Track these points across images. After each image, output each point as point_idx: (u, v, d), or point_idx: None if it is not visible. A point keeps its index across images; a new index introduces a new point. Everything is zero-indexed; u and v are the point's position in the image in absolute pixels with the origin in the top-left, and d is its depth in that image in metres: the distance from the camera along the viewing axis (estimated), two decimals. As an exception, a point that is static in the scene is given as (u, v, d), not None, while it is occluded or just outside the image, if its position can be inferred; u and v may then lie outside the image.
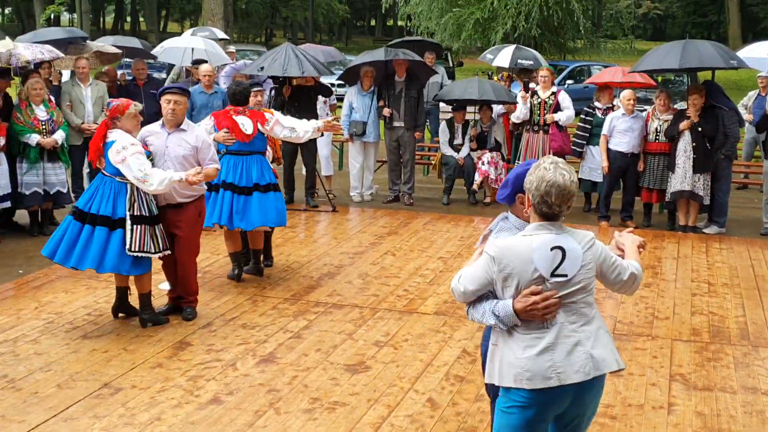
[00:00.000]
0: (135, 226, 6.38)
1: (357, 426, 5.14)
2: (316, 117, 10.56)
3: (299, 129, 7.85)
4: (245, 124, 7.62)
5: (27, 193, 9.22)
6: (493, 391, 3.95)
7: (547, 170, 3.51)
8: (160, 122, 6.81)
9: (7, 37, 9.89)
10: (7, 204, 9.17)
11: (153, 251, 6.50)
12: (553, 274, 3.52)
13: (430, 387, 5.72)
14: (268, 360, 6.12)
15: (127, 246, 6.35)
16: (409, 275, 8.38)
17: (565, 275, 3.53)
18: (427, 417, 5.27)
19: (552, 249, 3.52)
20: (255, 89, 8.45)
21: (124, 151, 6.25)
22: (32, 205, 9.43)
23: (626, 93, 10.76)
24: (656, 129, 10.57)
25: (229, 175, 7.61)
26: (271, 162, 8.25)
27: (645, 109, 11.31)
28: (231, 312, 7.11)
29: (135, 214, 6.40)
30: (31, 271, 8.15)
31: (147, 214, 6.47)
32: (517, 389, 3.54)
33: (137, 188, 6.37)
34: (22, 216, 9.78)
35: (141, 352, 6.21)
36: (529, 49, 14.39)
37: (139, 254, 6.41)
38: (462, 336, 6.68)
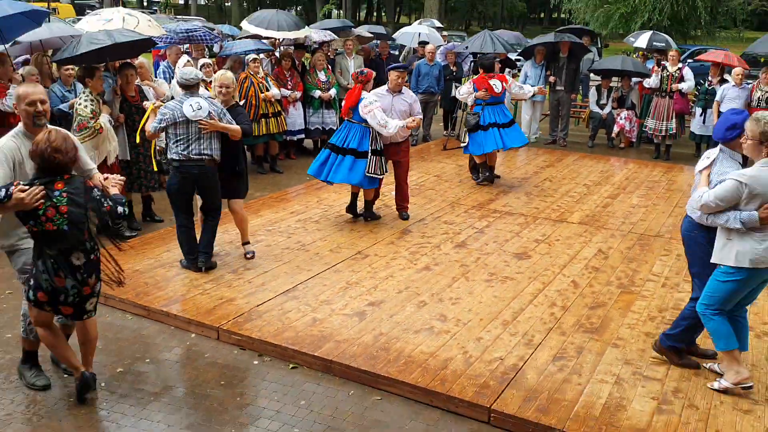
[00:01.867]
0: (374, 157, 6.40)
1: (521, 294, 5.13)
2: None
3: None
4: (496, 84, 8.01)
5: (311, 128, 9.66)
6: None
7: None
8: (385, 88, 6.74)
9: (306, 26, 10.27)
10: (302, 136, 9.68)
11: (380, 174, 6.51)
12: None
13: (573, 273, 5.58)
14: (461, 245, 6.19)
15: (367, 169, 6.37)
16: (561, 195, 8.08)
17: None
18: (571, 293, 5.17)
19: None
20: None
21: (371, 105, 6.26)
22: (315, 137, 9.92)
23: (737, 70, 9.66)
24: (759, 98, 9.50)
25: (494, 117, 8.00)
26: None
27: (750, 83, 10.08)
28: (437, 213, 7.21)
29: (375, 148, 6.41)
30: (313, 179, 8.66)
31: (380, 149, 6.48)
32: (745, 268, 3.62)
33: (376, 131, 6.37)
34: (308, 143, 10.34)
35: (380, 233, 6.46)
36: (662, 34, 13.02)
37: (373, 176, 6.45)
38: (599, 240, 6.42)
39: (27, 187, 3.30)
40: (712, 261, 3.76)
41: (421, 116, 6.97)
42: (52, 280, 3.42)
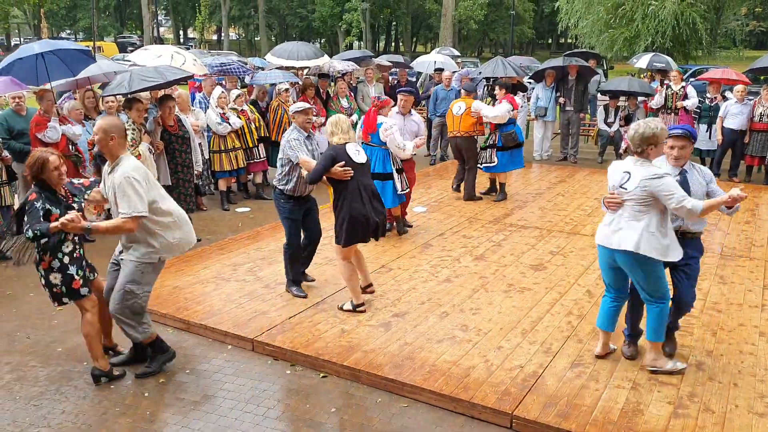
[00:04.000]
0: (398, 175, 6.41)
1: (538, 303, 5.06)
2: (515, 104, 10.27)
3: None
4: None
5: (336, 151, 9.72)
6: None
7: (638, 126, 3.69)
8: (396, 110, 6.76)
9: (325, 55, 10.38)
10: (328, 157, 9.72)
11: (406, 188, 6.51)
12: (620, 186, 3.72)
13: (588, 283, 5.50)
14: (480, 258, 6.15)
15: (400, 188, 6.37)
16: (573, 209, 8.02)
17: (626, 189, 3.69)
18: (586, 302, 5.09)
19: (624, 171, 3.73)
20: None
21: (390, 129, 6.21)
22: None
23: (739, 87, 9.59)
24: (761, 113, 9.41)
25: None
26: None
27: (752, 99, 9.93)
28: (456, 227, 7.18)
29: (398, 167, 6.42)
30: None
31: (401, 167, 6.47)
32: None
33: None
34: (333, 165, 10.38)
35: (403, 247, 6.44)
36: (662, 55, 12.93)
37: (402, 192, 6.44)
38: (610, 251, 6.32)
39: None
40: (670, 259, 3.71)
41: (425, 136, 7.04)
42: None
